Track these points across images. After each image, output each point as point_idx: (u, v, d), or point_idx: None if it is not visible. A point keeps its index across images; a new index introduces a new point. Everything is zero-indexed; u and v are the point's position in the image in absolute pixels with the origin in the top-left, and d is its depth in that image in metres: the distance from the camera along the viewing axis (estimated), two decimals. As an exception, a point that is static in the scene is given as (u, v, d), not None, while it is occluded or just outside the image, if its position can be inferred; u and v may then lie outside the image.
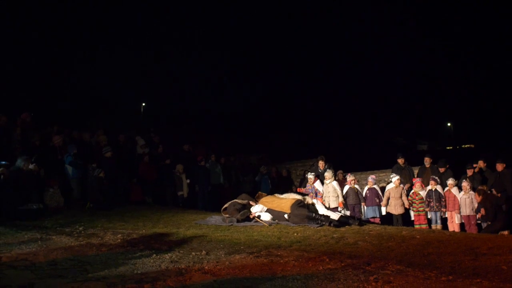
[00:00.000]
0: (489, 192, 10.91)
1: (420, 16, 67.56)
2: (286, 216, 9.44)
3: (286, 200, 9.80)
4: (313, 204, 9.83)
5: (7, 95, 24.41)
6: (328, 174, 12.33)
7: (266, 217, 9.71)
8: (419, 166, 13.47)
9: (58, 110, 25.77)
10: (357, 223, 9.19)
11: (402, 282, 4.52)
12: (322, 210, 9.64)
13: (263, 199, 10.33)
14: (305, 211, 9.24)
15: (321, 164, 13.61)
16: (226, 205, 10.42)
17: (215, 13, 60.33)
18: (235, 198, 10.70)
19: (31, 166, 10.51)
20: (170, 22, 55.77)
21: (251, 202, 10.42)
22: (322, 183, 12.65)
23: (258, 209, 9.97)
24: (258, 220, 9.53)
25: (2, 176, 9.85)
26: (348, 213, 11.85)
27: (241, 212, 9.67)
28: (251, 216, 9.81)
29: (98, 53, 39.53)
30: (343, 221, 9.15)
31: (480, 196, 10.46)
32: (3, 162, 10.27)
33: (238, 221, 9.46)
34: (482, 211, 10.48)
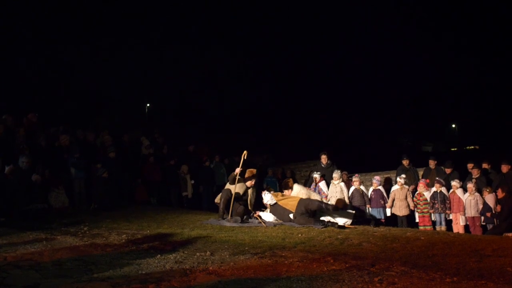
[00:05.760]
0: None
1: (427, 17, 67.41)
2: (291, 216, 9.40)
3: (292, 199, 9.70)
4: (321, 202, 9.68)
5: (13, 95, 24.50)
6: (336, 175, 12.28)
7: (269, 217, 9.67)
8: (424, 168, 13.44)
9: (63, 110, 25.83)
10: (373, 224, 9.19)
11: (406, 283, 4.51)
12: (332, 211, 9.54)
13: (272, 194, 10.17)
14: (311, 219, 9.18)
15: (323, 158, 13.43)
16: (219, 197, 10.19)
17: (220, 11, 60.36)
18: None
19: (33, 178, 10.51)
20: (174, 21, 55.84)
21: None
22: (326, 180, 12.63)
23: (268, 198, 9.82)
24: (260, 220, 9.47)
25: (7, 178, 9.89)
26: None
27: (234, 218, 9.49)
28: (255, 216, 9.73)
29: (103, 53, 39.66)
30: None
31: (504, 193, 10.38)
32: (10, 165, 10.30)
33: (242, 221, 9.45)
34: (498, 207, 10.43)
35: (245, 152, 10.12)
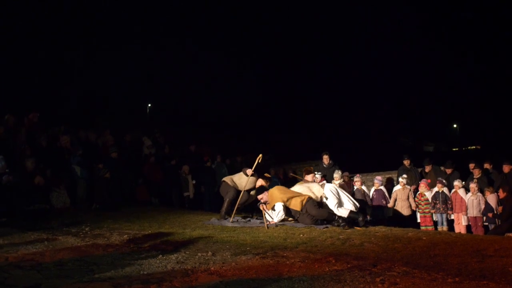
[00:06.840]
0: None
1: (428, 16, 67.40)
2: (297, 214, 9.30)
3: (301, 197, 9.53)
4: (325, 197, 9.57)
5: (14, 95, 24.52)
6: (337, 175, 12.31)
7: (273, 215, 9.54)
8: (421, 169, 13.45)
9: (64, 110, 25.85)
10: (362, 223, 9.07)
11: (408, 283, 4.50)
12: (331, 204, 9.44)
13: (276, 191, 9.64)
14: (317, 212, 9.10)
15: (325, 158, 13.47)
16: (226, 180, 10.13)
17: (221, 11, 60.41)
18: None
19: (36, 180, 10.51)
20: (175, 21, 55.90)
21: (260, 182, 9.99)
22: (327, 180, 12.60)
23: (280, 209, 9.26)
24: (263, 212, 9.24)
25: (9, 184, 9.88)
26: None
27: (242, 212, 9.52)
28: (261, 207, 9.50)
29: (105, 53, 39.67)
30: (352, 218, 9.00)
31: (505, 193, 10.37)
32: (7, 170, 10.28)
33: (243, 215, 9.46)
34: (500, 209, 10.43)
35: (260, 155, 9.92)
